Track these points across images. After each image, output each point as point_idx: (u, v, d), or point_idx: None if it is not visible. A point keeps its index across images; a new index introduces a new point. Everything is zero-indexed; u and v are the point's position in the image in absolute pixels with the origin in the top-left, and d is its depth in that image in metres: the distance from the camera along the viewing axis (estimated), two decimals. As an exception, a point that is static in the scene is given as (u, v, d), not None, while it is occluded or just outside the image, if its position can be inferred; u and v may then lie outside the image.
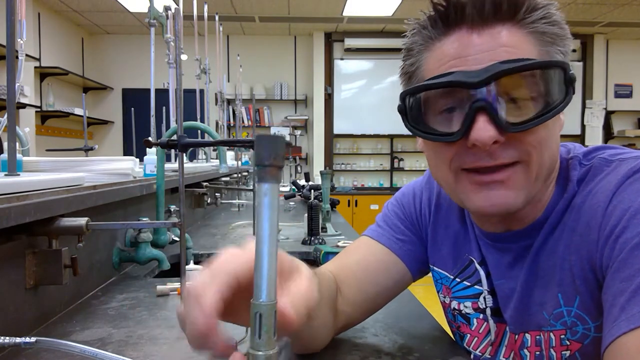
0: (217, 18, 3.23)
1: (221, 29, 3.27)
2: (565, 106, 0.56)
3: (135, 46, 6.67)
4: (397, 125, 6.90)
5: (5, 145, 0.86)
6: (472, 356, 0.73)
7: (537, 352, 0.64)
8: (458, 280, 0.75)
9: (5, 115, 0.84)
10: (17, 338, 0.63)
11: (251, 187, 2.20)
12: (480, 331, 0.72)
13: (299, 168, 4.41)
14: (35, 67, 5.13)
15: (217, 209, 2.69)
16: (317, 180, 4.34)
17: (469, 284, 0.73)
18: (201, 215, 2.40)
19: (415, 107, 0.61)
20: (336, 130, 6.93)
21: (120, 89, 6.83)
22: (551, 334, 0.62)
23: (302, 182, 3.46)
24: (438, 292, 0.79)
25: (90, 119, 6.20)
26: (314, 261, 1.54)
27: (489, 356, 0.71)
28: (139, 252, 1.27)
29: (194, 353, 0.41)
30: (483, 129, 0.55)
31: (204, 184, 2.17)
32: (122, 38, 6.78)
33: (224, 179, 2.69)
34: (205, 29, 2.82)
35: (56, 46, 5.79)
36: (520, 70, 0.54)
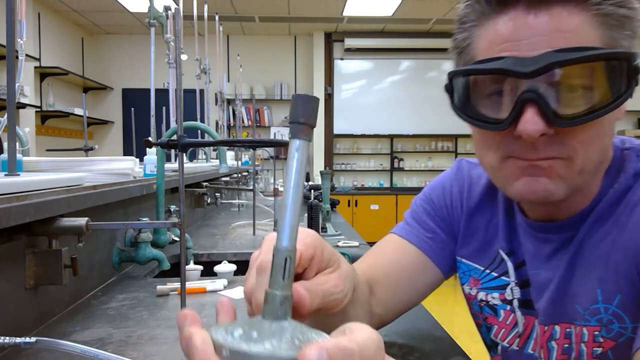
0: (217, 18, 3.23)
1: (221, 29, 3.27)
2: (624, 100, 0.52)
3: (135, 46, 6.67)
4: (397, 125, 6.96)
5: (5, 145, 0.86)
6: (499, 347, 0.72)
7: (566, 345, 0.62)
8: (487, 271, 0.73)
9: (5, 115, 0.84)
10: (17, 338, 0.63)
11: (251, 187, 2.20)
12: (508, 322, 0.70)
13: (299, 168, 4.40)
14: (35, 67, 5.13)
15: (217, 209, 2.69)
16: (317, 180, 4.34)
17: (496, 274, 0.72)
18: (201, 215, 2.40)
19: (462, 89, 0.59)
20: (336, 130, 6.93)
21: (120, 89, 6.83)
22: (584, 328, 0.60)
23: (302, 182, 3.46)
24: (463, 284, 0.77)
25: (90, 119, 6.21)
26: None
27: (517, 348, 0.69)
28: (139, 252, 1.27)
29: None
30: (530, 121, 0.52)
31: (204, 184, 2.17)
32: (122, 38, 6.78)
33: (224, 179, 2.69)
34: (205, 29, 2.82)
35: (56, 46, 5.79)
36: (575, 62, 0.51)
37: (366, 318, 0.67)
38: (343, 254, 1.52)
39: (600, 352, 0.59)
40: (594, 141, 0.55)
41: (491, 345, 0.74)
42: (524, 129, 0.52)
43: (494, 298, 0.72)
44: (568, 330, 0.62)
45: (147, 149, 1.56)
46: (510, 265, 0.70)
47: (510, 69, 0.52)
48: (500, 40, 0.55)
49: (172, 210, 1.54)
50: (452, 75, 0.59)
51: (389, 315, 0.75)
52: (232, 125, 5.96)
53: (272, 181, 4.15)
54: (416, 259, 0.77)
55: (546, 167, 0.55)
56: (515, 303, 0.69)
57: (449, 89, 0.60)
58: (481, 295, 0.74)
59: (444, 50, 8.02)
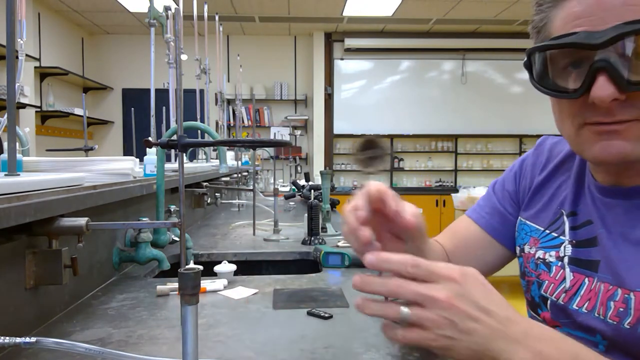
0: (217, 18, 3.23)
1: (221, 29, 3.27)
2: None
3: (135, 46, 6.67)
4: (397, 125, 6.95)
5: (5, 145, 0.86)
6: (548, 302, 0.74)
7: (621, 309, 0.63)
8: (547, 231, 0.78)
9: (5, 115, 0.84)
10: (17, 338, 0.63)
11: (251, 187, 2.20)
12: (557, 277, 0.74)
13: (299, 168, 4.41)
14: (35, 67, 5.13)
15: (217, 209, 2.69)
16: (317, 180, 4.34)
17: (555, 235, 0.76)
18: (201, 215, 2.40)
19: (540, 64, 0.65)
20: (336, 130, 6.93)
21: (120, 89, 6.83)
22: None
23: (302, 182, 3.46)
24: (524, 244, 0.81)
25: (90, 119, 6.21)
26: (314, 261, 1.54)
27: (562, 303, 0.71)
28: (139, 252, 1.27)
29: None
30: (602, 87, 0.57)
31: (204, 184, 2.17)
32: (122, 38, 6.78)
33: (224, 179, 2.69)
34: (205, 29, 2.82)
35: (56, 46, 5.79)
36: None
37: None
38: (343, 254, 1.51)
39: None
40: None
41: (539, 302, 0.77)
42: (596, 95, 0.57)
43: (551, 256, 0.76)
44: (627, 296, 0.63)
45: (147, 149, 1.56)
46: (567, 226, 0.74)
47: (583, 42, 0.58)
48: (572, 17, 0.60)
49: (172, 210, 1.54)
50: (530, 52, 0.66)
51: None
52: (232, 125, 5.96)
53: (272, 181, 4.15)
54: (479, 235, 0.87)
55: (622, 130, 0.59)
56: (566, 260, 0.73)
57: (528, 65, 0.66)
58: (539, 253, 0.78)
59: (444, 50, 7.97)
